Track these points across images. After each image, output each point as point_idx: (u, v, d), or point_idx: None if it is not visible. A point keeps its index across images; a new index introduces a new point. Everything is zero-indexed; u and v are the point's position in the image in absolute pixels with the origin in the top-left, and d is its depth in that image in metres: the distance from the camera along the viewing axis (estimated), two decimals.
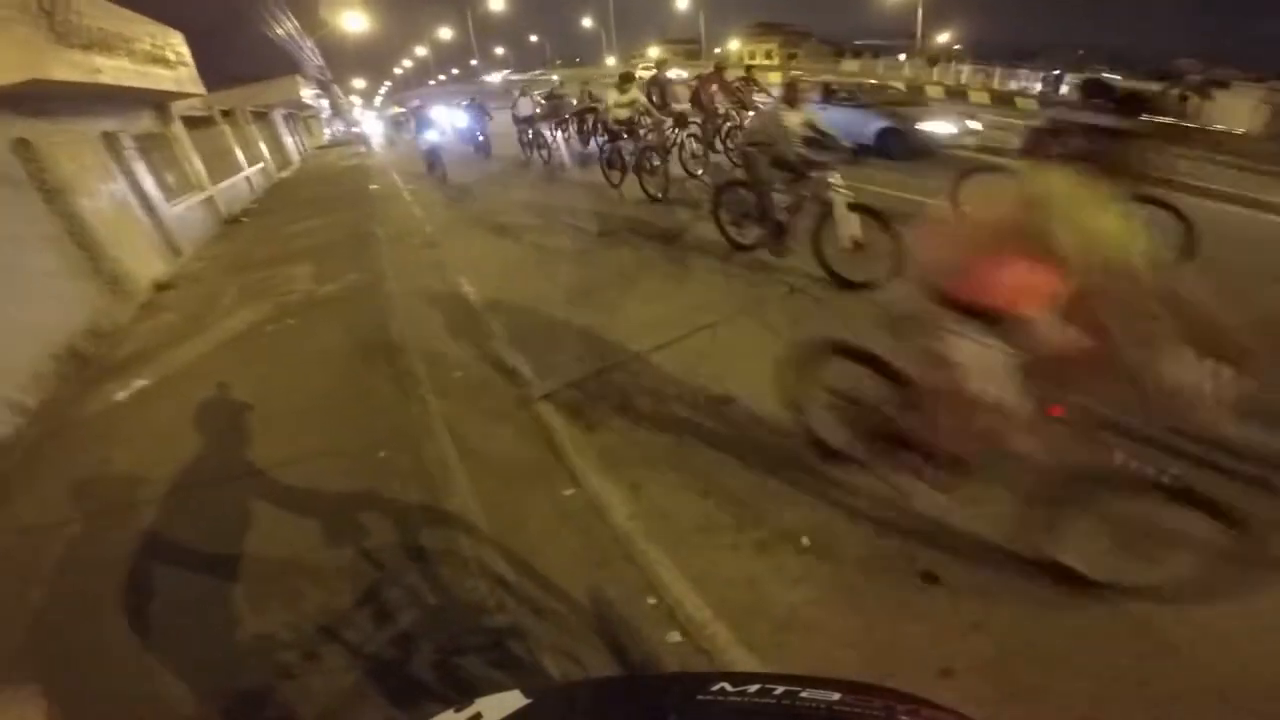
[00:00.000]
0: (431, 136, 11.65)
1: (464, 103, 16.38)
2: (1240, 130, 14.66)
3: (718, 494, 2.62)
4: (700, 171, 8.48)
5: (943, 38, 46.90)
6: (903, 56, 33.98)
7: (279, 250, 8.06)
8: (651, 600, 2.17)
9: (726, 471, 2.75)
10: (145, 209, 7.57)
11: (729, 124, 8.92)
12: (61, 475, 3.41)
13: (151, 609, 2.41)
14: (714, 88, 9.04)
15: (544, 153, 11.84)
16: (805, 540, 2.32)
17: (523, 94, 12.62)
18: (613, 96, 7.86)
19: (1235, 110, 15.65)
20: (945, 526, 2.31)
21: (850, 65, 34.79)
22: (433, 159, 11.62)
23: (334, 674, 2.01)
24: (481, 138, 13.89)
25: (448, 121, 15.69)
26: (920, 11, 31.68)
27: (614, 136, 8.04)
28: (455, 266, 6.07)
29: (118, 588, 2.49)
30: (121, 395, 4.36)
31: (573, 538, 2.48)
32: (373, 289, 5.74)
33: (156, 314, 6.13)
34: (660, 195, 7.52)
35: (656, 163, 7.45)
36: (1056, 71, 29.31)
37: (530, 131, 12.19)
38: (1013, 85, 25.69)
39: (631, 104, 7.83)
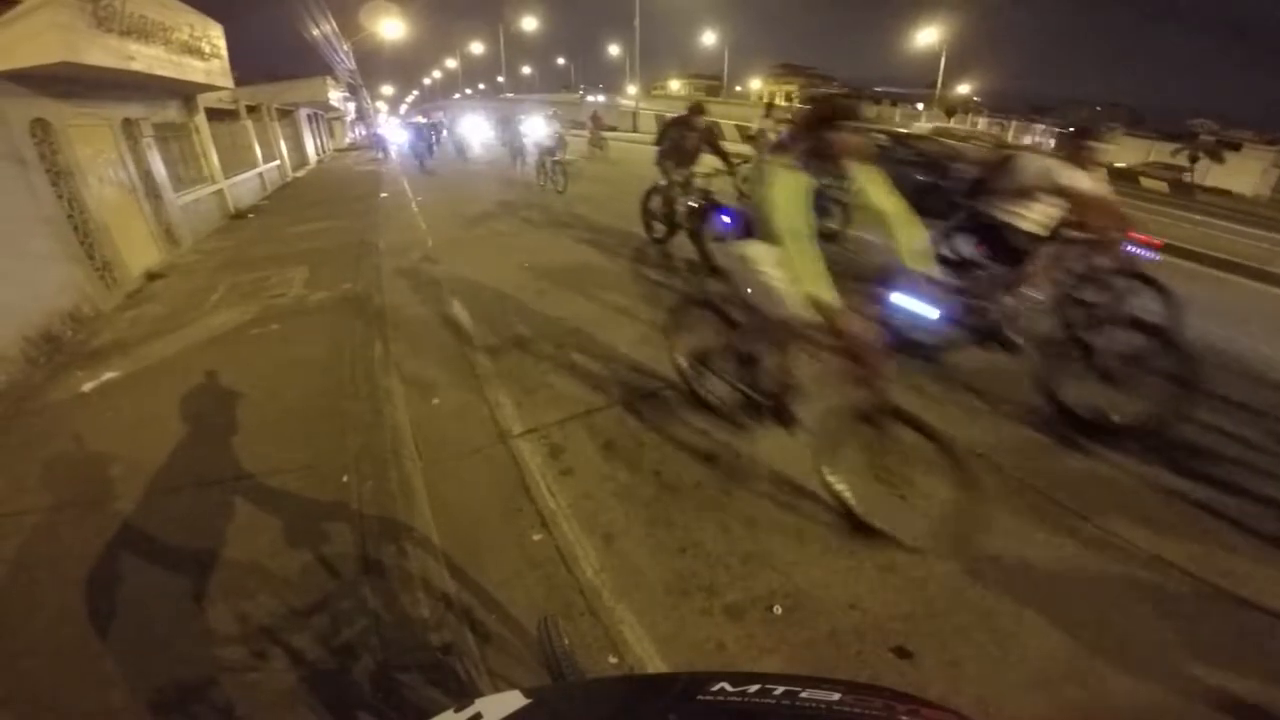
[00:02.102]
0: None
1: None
2: (1246, 193, 14.87)
3: (694, 552, 2.50)
4: None
5: (963, 89, 47.62)
6: (920, 105, 34.53)
7: (278, 250, 7.98)
8: (613, 659, 2.06)
9: (705, 528, 2.62)
10: (151, 197, 7.54)
11: None
12: (10, 466, 3.29)
13: (95, 599, 2.36)
14: None
15: None
16: (778, 608, 2.22)
17: None
18: None
19: (1244, 172, 15.79)
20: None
21: (868, 111, 35.36)
22: None
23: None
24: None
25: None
26: (943, 63, 32.14)
27: None
28: (451, 285, 6.01)
29: (63, 579, 2.44)
30: (89, 386, 4.23)
31: (536, 585, 2.36)
32: (364, 301, 5.63)
33: (142, 304, 6.03)
34: None
35: None
36: (1072, 129, 29.78)
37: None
38: (1027, 140, 26.05)
39: None
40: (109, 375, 4.37)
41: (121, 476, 3.10)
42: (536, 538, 2.59)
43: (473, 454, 3.23)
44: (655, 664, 2.03)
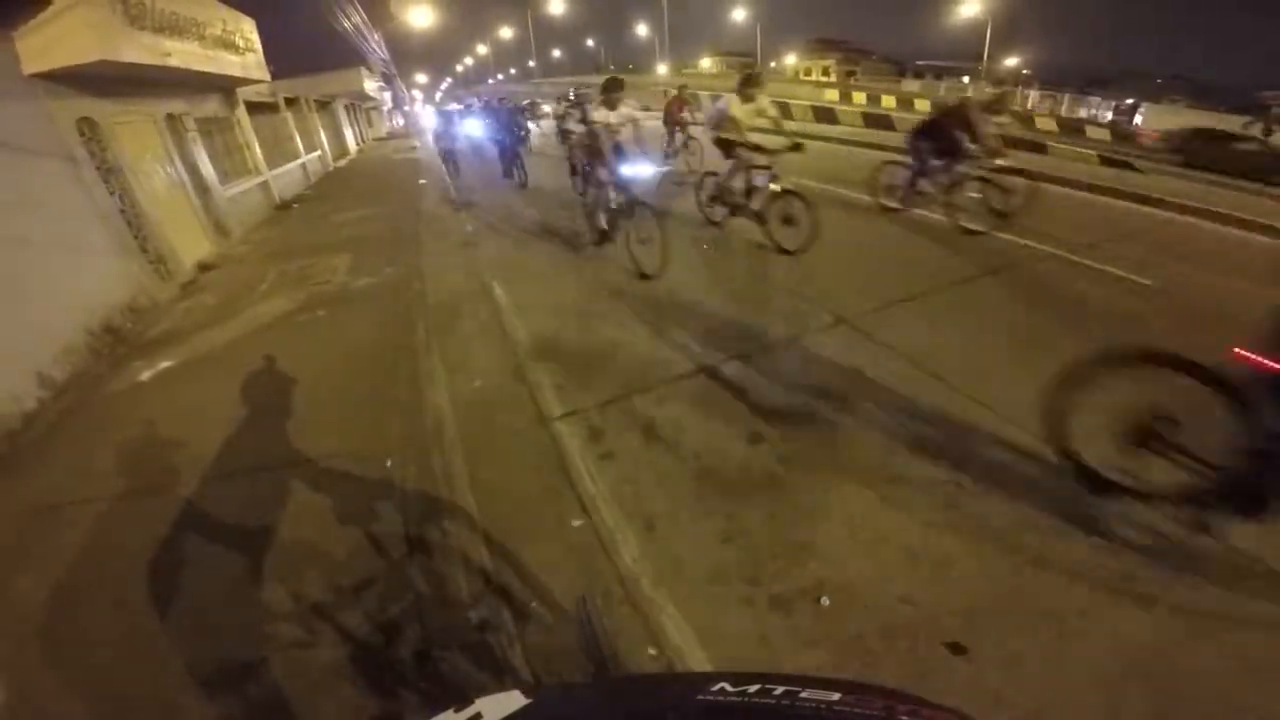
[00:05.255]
0: None
1: None
2: None
3: (738, 540, 2.44)
4: None
5: (1011, 61, 45.55)
6: (966, 79, 33.17)
7: (322, 239, 8.16)
8: (652, 650, 2.02)
9: (749, 516, 2.56)
10: (199, 190, 7.77)
11: None
12: (77, 455, 3.45)
13: (154, 585, 2.45)
14: None
15: None
16: (825, 600, 2.14)
17: None
18: None
19: None
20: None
21: (911, 85, 34.20)
22: None
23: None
24: None
25: None
26: (989, 33, 30.73)
27: None
28: (490, 269, 6.03)
29: (125, 566, 2.53)
30: (147, 375, 4.41)
31: (576, 573, 2.33)
32: (406, 286, 5.72)
33: (195, 294, 6.25)
34: None
35: None
36: (1131, 101, 28.20)
37: None
38: (1082, 113, 24.79)
39: None
40: (166, 364, 4.54)
41: (179, 464, 3.21)
42: (576, 523, 2.57)
43: (514, 436, 3.23)
44: (695, 656, 1.99)
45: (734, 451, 2.99)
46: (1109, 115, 24.20)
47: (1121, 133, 17.28)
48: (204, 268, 7.07)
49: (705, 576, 2.30)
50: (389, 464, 3.03)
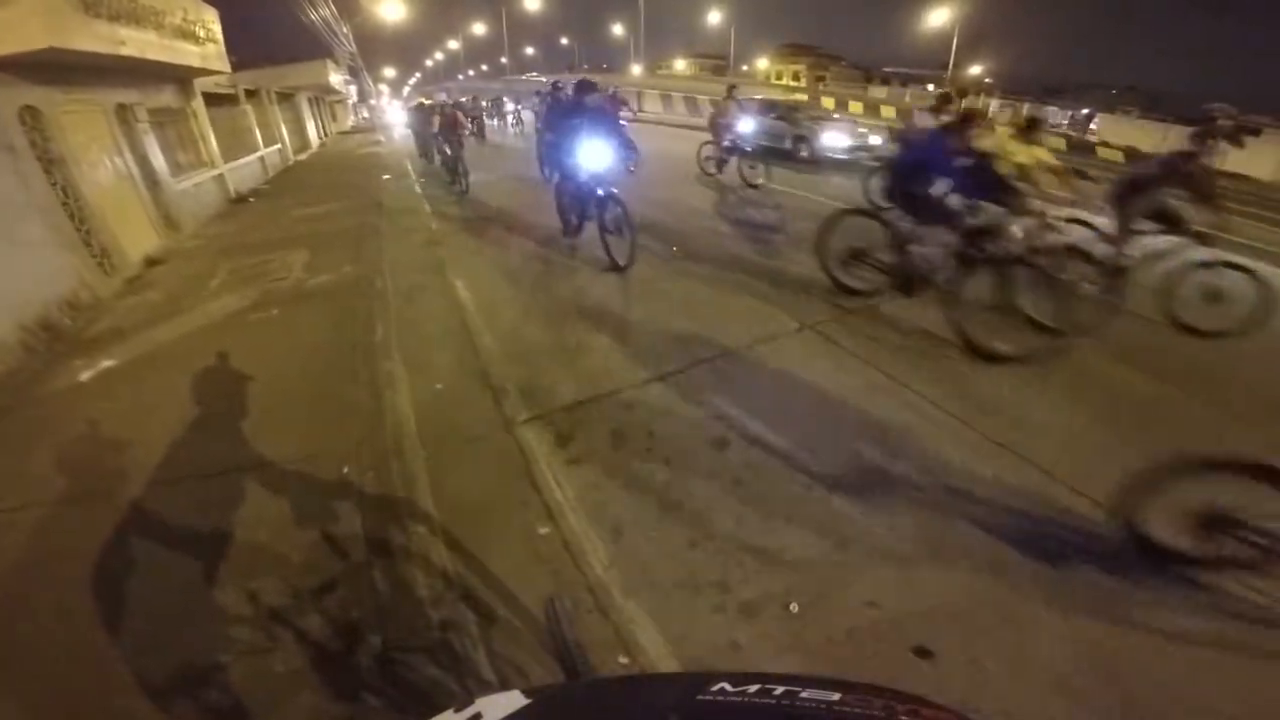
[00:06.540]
0: None
1: None
2: (1264, 177, 15.06)
3: (706, 546, 2.41)
4: None
5: (975, 70, 46.81)
6: (930, 86, 34.01)
7: (278, 234, 7.90)
8: (624, 659, 1.99)
9: (719, 521, 2.53)
10: (149, 183, 7.45)
11: None
12: (9, 458, 3.25)
13: (96, 596, 2.32)
14: None
15: None
16: (794, 606, 2.14)
17: None
18: None
19: (1263, 157, 15.75)
20: None
21: (878, 91, 34.92)
22: None
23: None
24: None
25: None
26: (955, 43, 31.48)
27: None
28: (454, 268, 5.90)
29: (65, 576, 2.40)
30: (87, 375, 4.18)
31: (543, 582, 2.27)
32: (365, 285, 5.54)
33: (141, 290, 5.96)
34: None
35: None
36: (1086, 111, 29.34)
37: None
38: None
39: None
40: (107, 364, 4.31)
41: (120, 469, 3.04)
42: (543, 531, 2.51)
43: (477, 441, 3.14)
44: (668, 665, 1.96)
45: None
46: (1064, 123, 25.08)
47: (1077, 142, 17.89)
48: (151, 262, 6.76)
49: (675, 583, 2.26)
50: (345, 470, 2.91)
